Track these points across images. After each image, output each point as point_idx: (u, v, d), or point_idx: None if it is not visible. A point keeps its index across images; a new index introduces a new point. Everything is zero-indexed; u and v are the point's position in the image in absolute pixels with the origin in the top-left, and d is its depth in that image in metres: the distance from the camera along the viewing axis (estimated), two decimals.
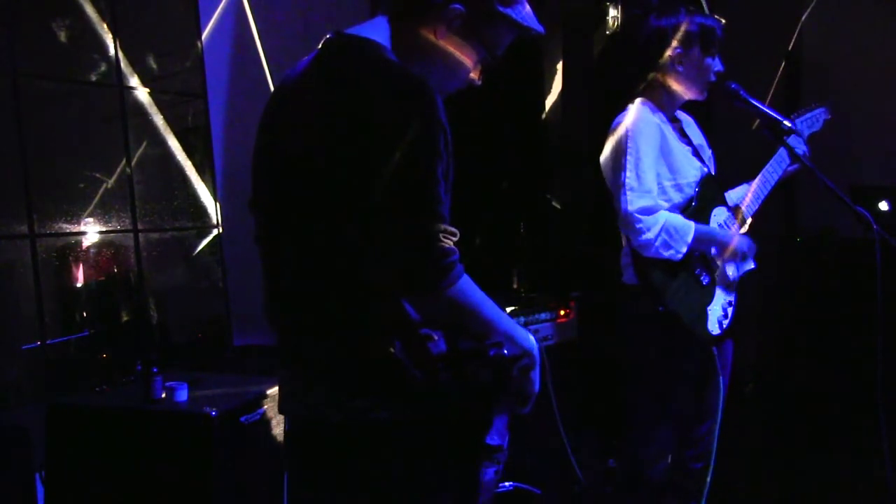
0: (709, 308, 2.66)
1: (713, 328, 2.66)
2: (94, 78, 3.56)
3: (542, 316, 3.48)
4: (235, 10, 4.08)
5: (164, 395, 2.61)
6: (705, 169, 2.72)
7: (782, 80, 4.40)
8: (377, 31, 1.60)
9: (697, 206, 2.65)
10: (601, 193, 2.81)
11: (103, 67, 3.57)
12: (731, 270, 2.74)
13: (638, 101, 2.69)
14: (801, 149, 2.71)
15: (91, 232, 3.48)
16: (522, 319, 3.34)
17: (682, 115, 2.84)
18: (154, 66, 3.78)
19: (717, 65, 2.68)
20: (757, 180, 2.78)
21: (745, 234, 2.76)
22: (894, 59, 4.18)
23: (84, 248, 3.47)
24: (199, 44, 3.91)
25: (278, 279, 1.63)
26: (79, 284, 3.47)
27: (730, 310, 2.72)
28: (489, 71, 1.70)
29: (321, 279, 1.52)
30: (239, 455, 2.57)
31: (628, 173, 2.56)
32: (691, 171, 2.68)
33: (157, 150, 3.82)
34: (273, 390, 2.71)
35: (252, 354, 3.72)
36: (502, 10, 1.61)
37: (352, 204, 1.45)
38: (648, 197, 2.55)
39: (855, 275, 3.64)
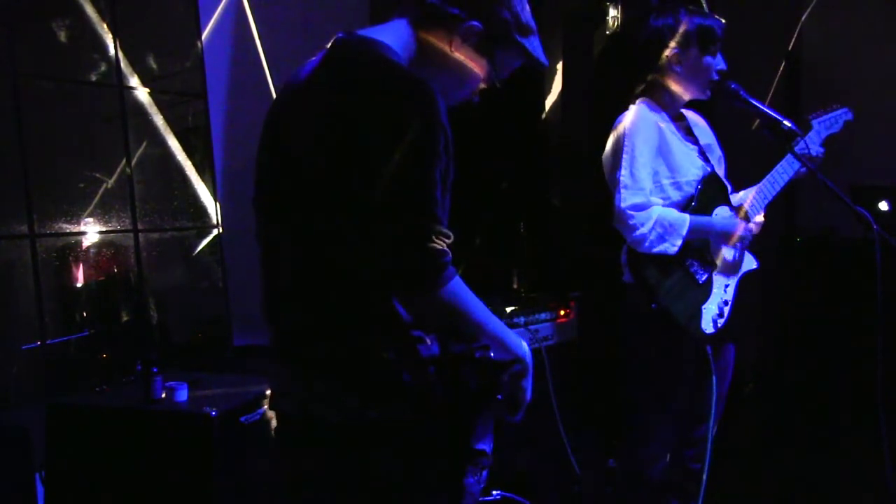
0: (704, 306, 2.66)
1: (707, 327, 2.66)
2: (94, 78, 3.57)
3: (542, 316, 3.48)
4: (235, 10, 4.08)
5: (164, 396, 2.62)
6: (708, 168, 2.72)
7: (782, 80, 4.40)
8: (391, 33, 1.62)
9: (698, 205, 2.66)
10: (601, 193, 2.82)
11: (103, 67, 3.57)
12: (729, 254, 2.74)
13: (639, 100, 2.72)
14: (815, 150, 2.71)
15: (91, 232, 3.48)
16: (522, 319, 3.34)
17: (690, 114, 2.84)
18: (154, 66, 3.78)
19: (718, 63, 2.68)
20: (764, 181, 2.77)
21: (748, 226, 2.75)
22: (894, 59, 4.18)
23: (84, 248, 3.47)
24: (199, 44, 3.91)
25: (277, 277, 1.63)
26: (79, 284, 3.47)
27: (726, 309, 2.72)
28: (487, 91, 1.73)
29: (320, 278, 1.53)
30: (239, 455, 2.57)
31: (623, 171, 2.60)
32: (692, 169, 2.69)
33: (157, 150, 3.82)
34: None
35: (252, 354, 3.71)
36: (519, 38, 1.67)
37: (351, 203, 1.45)
38: (641, 194, 2.58)
39: (855, 275, 3.64)
